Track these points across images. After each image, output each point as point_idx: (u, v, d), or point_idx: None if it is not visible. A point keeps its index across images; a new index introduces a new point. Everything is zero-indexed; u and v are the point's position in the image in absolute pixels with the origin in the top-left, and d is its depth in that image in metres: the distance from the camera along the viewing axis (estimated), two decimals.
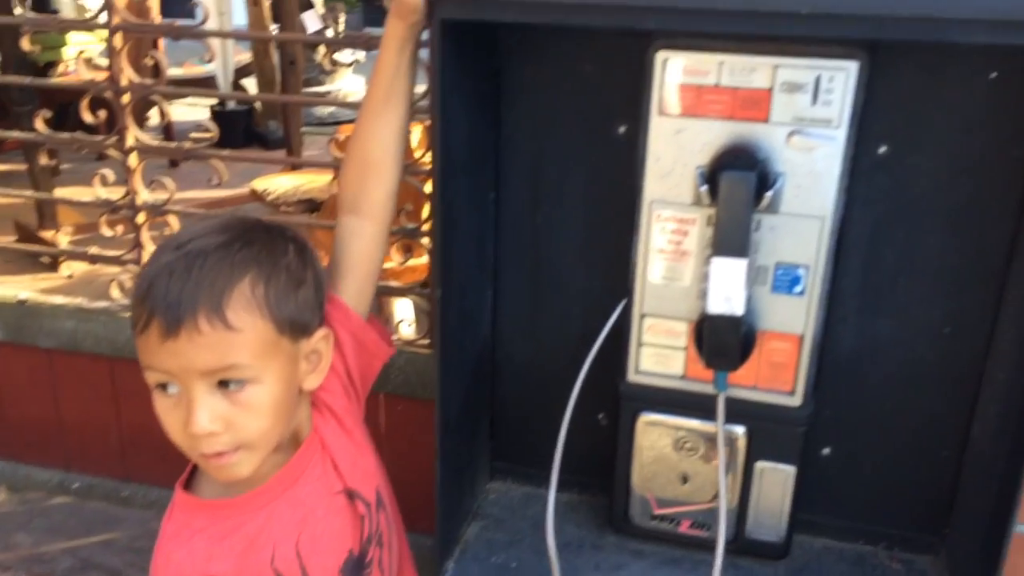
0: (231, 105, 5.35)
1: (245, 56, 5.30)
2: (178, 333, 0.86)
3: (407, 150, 1.16)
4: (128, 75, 1.84)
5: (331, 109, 6.18)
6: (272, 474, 0.99)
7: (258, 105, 5.43)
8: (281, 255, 0.95)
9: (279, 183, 3.22)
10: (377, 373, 1.15)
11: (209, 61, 1.82)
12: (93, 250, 2.00)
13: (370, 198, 1.10)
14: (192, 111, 5.70)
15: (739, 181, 1.01)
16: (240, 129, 5.27)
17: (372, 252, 1.12)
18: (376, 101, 1.09)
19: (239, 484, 0.97)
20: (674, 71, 1.04)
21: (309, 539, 1.00)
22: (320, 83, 6.18)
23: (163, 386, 0.90)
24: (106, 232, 1.96)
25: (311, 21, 5.33)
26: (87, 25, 1.88)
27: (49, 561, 1.73)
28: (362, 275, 1.11)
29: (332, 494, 1.03)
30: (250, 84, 5.36)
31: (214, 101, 5.49)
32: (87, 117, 1.89)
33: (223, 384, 0.89)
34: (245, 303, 0.89)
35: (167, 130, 4.31)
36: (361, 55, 6.46)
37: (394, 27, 1.05)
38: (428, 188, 1.25)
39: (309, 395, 1.03)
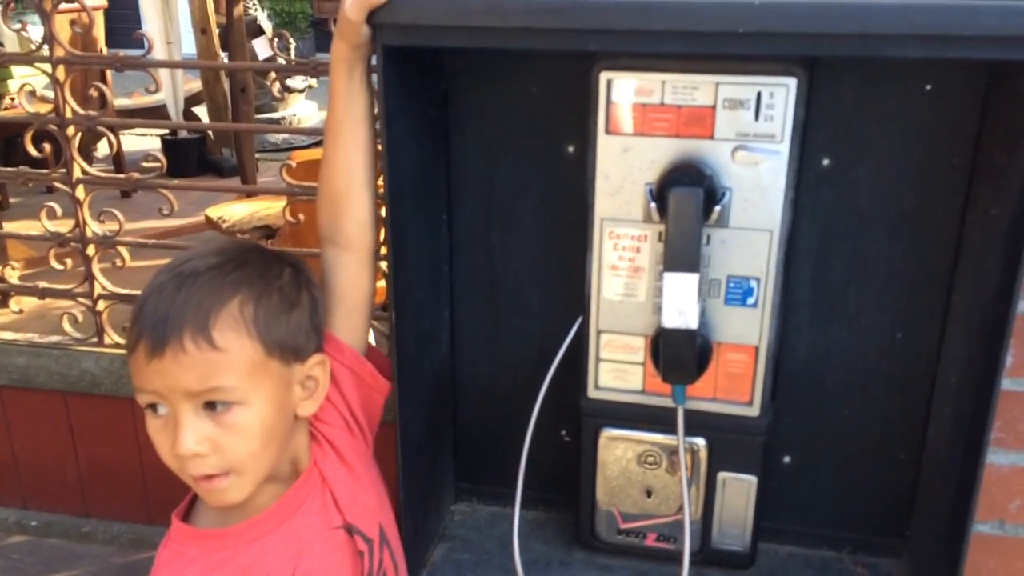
0: (183, 134, 5.29)
1: (195, 84, 5.25)
2: (163, 352, 0.85)
3: None
4: (72, 107, 1.82)
5: (285, 135, 6.15)
6: (268, 505, 0.97)
7: (211, 133, 5.37)
8: (274, 277, 0.95)
9: (234, 211, 3.19)
10: (382, 407, 1.13)
11: (154, 92, 1.79)
12: (43, 284, 1.96)
13: (344, 227, 1.08)
14: (143, 141, 5.63)
15: (687, 197, 1.02)
16: (193, 157, 5.20)
17: (357, 282, 1.09)
18: (334, 127, 1.07)
19: (234, 513, 0.96)
20: (618, 91, 1.05)
21: (305, 574, 0.98)
22: (273, 109, 6.13)
23: (153, 407, 0.89)
24: (56, 265, 1.92)
25: (261, 48, 5.30)
26: (29, 59, 1.85)
27: None
28: (350, 306, 1.08)
29: (330, 529, 1.01)
30: (201, 112, 5.30)
31: (165, 131, 5.43)
32: (31, 150, 1.86)
33: (210, 406, 0.88)
34: (232, 323, 0.88)
35: (117, 160, 4.25)
36: (314, 80, 6.44)
37: (339, 49, 1.03)
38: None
39: (307, 425, 1.02)
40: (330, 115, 1.07)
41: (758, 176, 1.05)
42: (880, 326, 1.18)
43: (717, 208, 1.05)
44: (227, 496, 0.92)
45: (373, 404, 1.11)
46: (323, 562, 1.00)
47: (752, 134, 1.03)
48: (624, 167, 1.08)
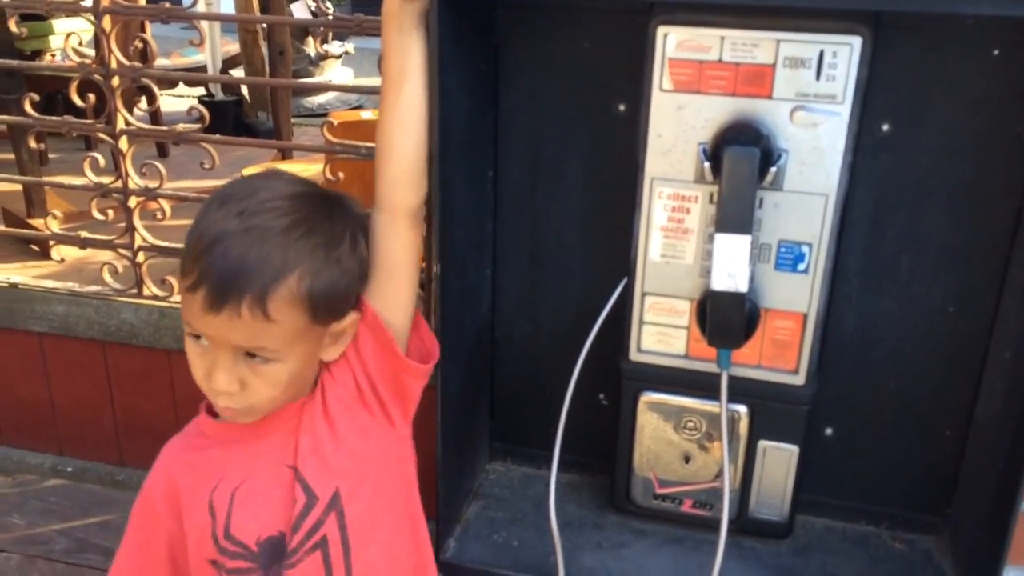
0: (220, 96, 5.30)
1: (233, 47, 5.25)
2: (220, 310, 0.87)
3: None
4: (118, 57, 1.82)
5: (321, 100, 6.14)
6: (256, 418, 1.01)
7: (247, 95, 5.38)
8: (336, 246, 0.94)
9: None
10: (415, 392, 1.06)
11: (199, 44, 1.78)
12: (84, 234, 1.97)
13: (399, 189, 1.04)
14: (180, 103, 5.65)
15: (743, 156, 1.00)
16: (229, 120, 5.20)
17: (408, 251, 1.04)
18: (390, 86, 1.03)
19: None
20: (675, 47, 1.03)
21: (246, 492, 1.00)
22: (309, 75, 6.11)
23: (196, 336, 0.92)
24: (97, 216, 1.93)
25: (299, 12, 5.28)
26: (75, 8, 1.85)
27: (44, 542, 1.71)
28: (398, 276, 1.04)
29: (281, 465, 1.01)
30: (238, 75, 5.31)
31: (202, 92, 5.44)
32: (77, 100, 1.87)
33: (250, 355, 0.91)
34: (288, 298, 0.89)
35: (155, 119, 4.28)
36: (350, 46, 6.42)
37: (390, 5, 1.00)
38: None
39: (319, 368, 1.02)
40: (385, 75, 1.03)
41: (816, 138, 1.02)
42: (932, 298, 1.16)
43: (772, 169, 1.03)
44: (238, 420, 0.99)
45: (400, 384, 1.04)
46: (264, 490, 1.01)
47: (812, 94, 1.01)
48: (677, 125, 1.06)
